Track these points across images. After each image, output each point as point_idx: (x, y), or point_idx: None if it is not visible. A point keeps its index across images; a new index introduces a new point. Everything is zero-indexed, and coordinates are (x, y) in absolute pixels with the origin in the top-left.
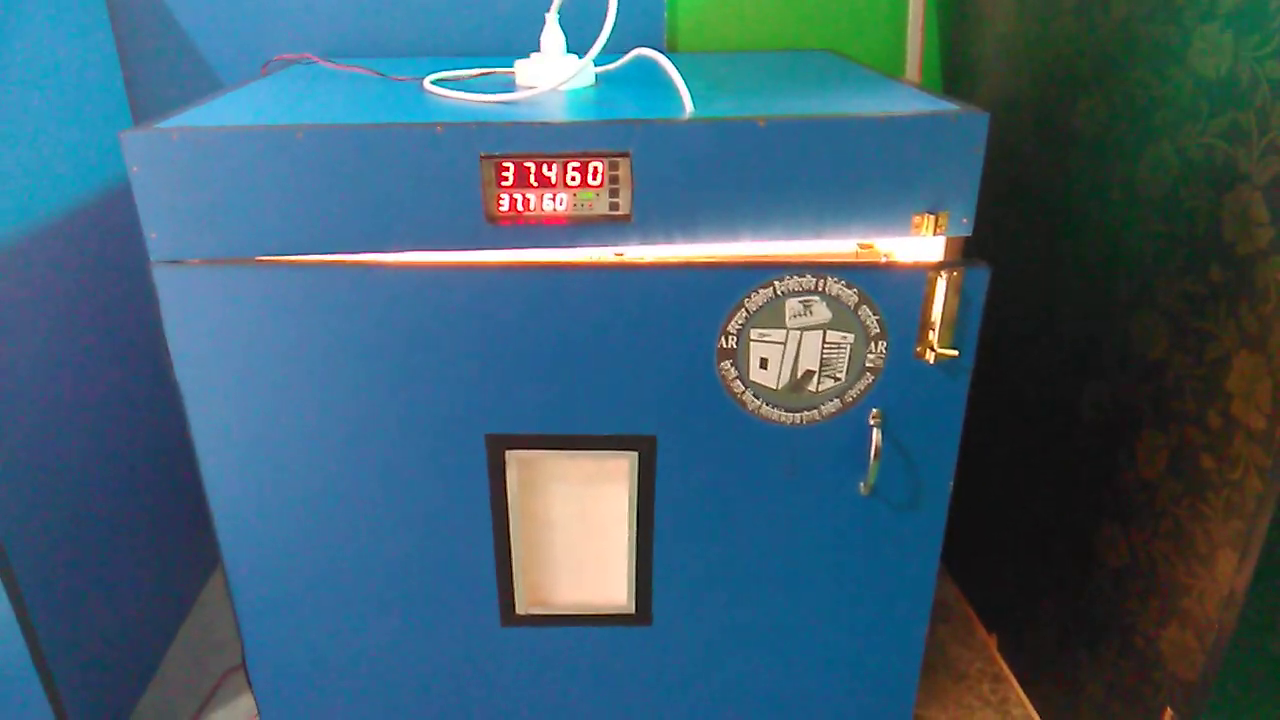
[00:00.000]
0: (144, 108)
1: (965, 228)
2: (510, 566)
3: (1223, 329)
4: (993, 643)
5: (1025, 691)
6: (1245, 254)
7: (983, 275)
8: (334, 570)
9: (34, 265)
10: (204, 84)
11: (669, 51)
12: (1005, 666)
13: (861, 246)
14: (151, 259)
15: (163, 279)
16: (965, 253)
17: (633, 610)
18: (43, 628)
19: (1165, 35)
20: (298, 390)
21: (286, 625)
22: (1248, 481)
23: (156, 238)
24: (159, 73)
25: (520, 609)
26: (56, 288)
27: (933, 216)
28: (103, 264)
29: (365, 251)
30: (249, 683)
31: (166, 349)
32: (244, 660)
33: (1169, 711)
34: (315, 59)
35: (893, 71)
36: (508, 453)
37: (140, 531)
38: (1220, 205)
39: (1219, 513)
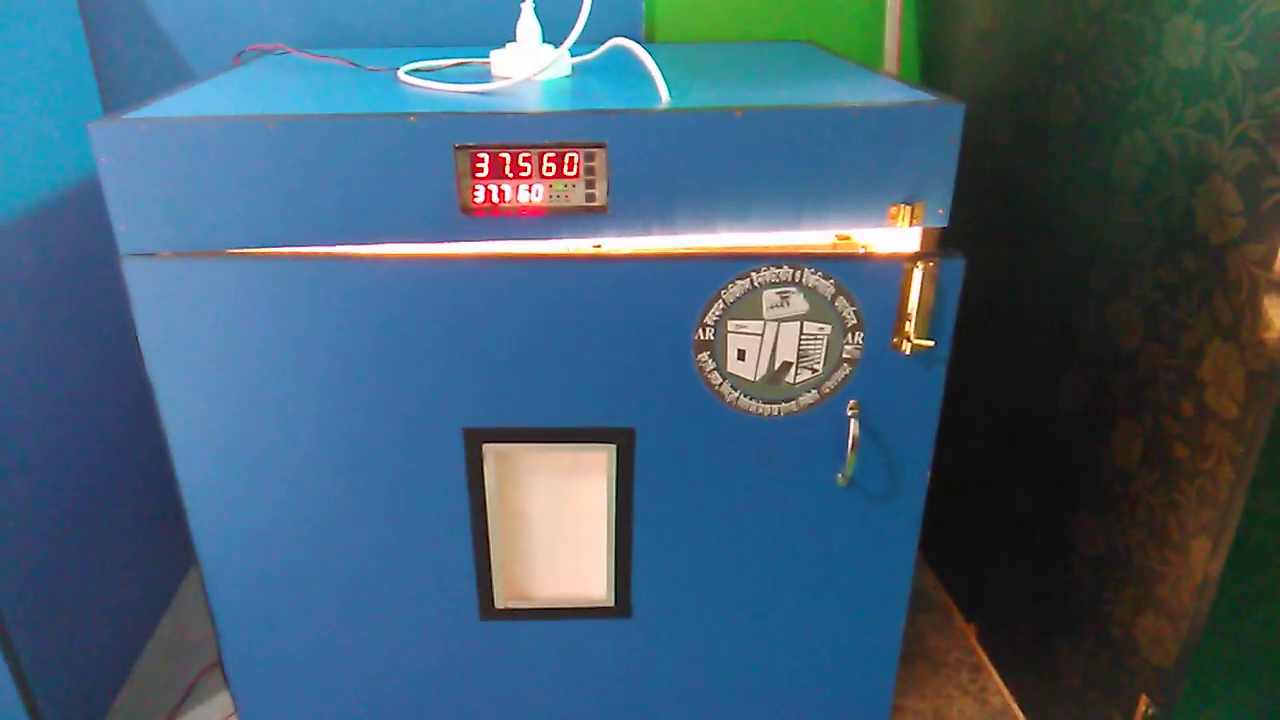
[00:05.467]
0: (115, 99)
1: (941, 219)
2: (489, 560)
3: (1196, 318)
4: (971, 632)
5: (1004, 680)
6: (1218, 243)
7: (958, 266)
8: (311, 565)
9: (3, 259)
10: (176, 75)
11: (647, 42)
12: (984, 656)
13: (839, 238)
14: (121, 252)
15: (132, 272)
16: (941, 244)
17: (612, 603)
18: (16, 626)
19: (1139, 26)
20: (272, 384)
21: (263, 622)
22: (1220, 470)
23: (126, 230)
24: (130, 64)
25: (499, 603)
26: (27, 281)
27: (909, 207)
28: (74, 257)
29: (339, 243)
30: (225, 680)
31: (139, 343)
32: (220, 657)
33: (1144, 699)
34: (288, 49)
35: (871, 63)
36: (485, 446)
37: (115, 529)
38: (1193, 195)
39: (1192, 501)
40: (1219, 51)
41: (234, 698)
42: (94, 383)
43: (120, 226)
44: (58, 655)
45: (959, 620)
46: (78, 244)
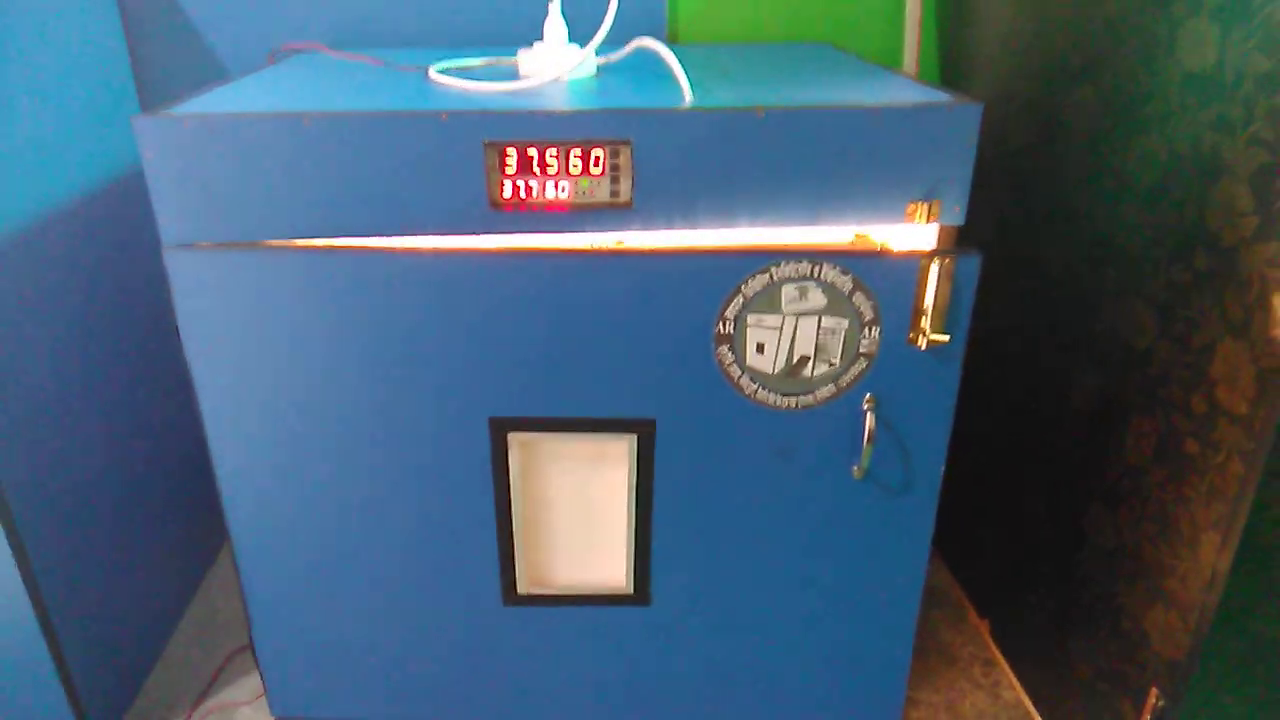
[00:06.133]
0: (151, 96)
1: (958, 216)
2: (512, 547)
3: (1207, 317)
4: (985, 628)
5: (1016, 674)
6: (1230, 243)
7: (974, 263)
8: (340, 551)
9: (43, 252)
10: (210, 73)
11: (670, 43)
12: (997, 651)
13: (857, 235)
14: (163, 243)
15: (174, 262)
16: (958, 241)
17: (631, 591)
18: (56, 610)
19: (1154, 28)
20: (305, 372)
21: (293, 605)
22: (1230, 465)
23: (168, 222)
24: (166, 62)
25: (521, 589)
26: (66, 275)
27: (926, 205)
28: (109, 250)
29: (371, 235)
30: (255, 661)
31: (172, 332)
32: (250, 639)
33: (1155, 690)
34: (322, 48)
35: (890, 64)
36: (510, 435)
37: (148, 515)
38: (1206, 195)
39: (1202, 496)
40: (1233, 54)
41: (263, 678)
42: (127, 370)
43: (162, 219)
44: (93, 638)
45: (973, 616)
46: (116, 236)
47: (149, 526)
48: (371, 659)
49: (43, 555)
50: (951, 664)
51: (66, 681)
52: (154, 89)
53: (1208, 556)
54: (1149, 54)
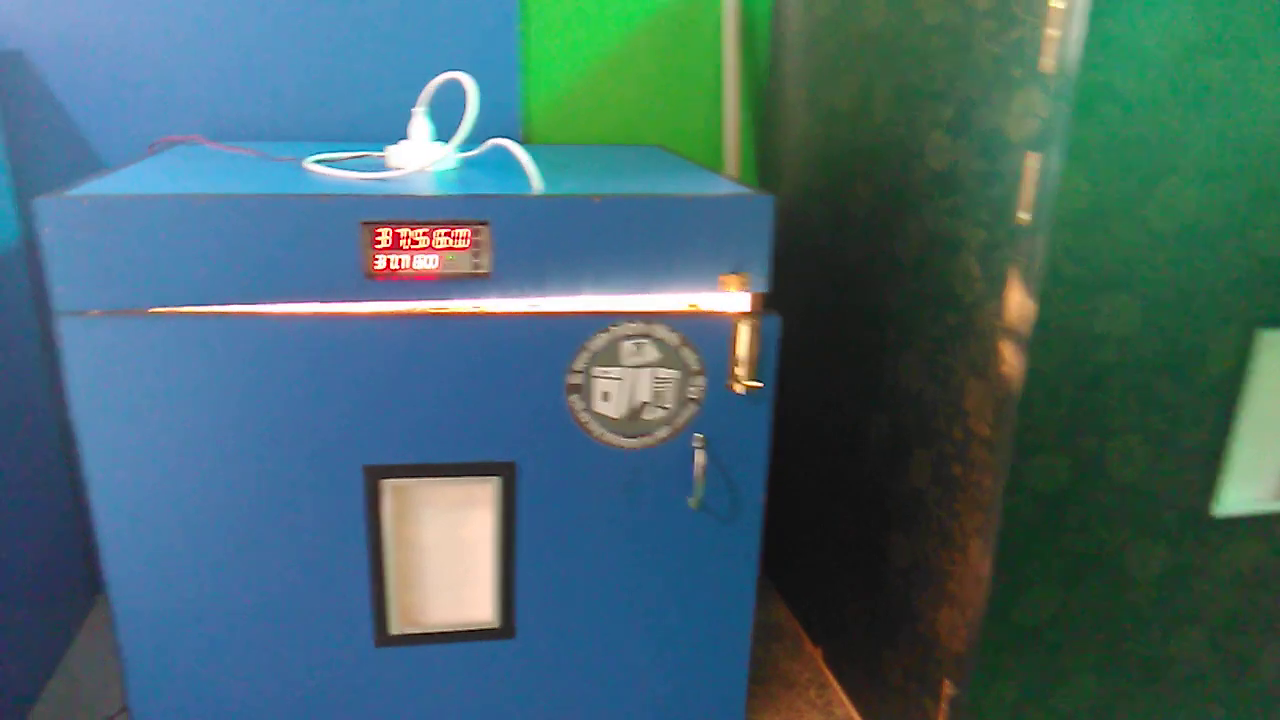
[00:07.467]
0: (27, 185)
1: (762, 285)
2: (384, 589)
3: (958, 362)
4: (819, 655)
5: (845, 692)
6: (969, 302)
7: (775, 322)
8: (220, 603)
9: None
10: (86, 164)
11: (523, 143)
12: (830, 674)
13: (690, 302)
14: (56, 310)
15: (67, 328)
16: (766, 305)
17: (498, 624)
18: None
19: (908, 138)
20: (191, 430)
21: (170, 658)
22: (984, 481)
23: (62, 291)
24: (43, 153)
25: (394, 629)
26: None
27: (736, 276)
28: None
29: (256, 303)
30: (129, 716)
31: (34, 400)
32: (125, 699)
33: (947, 682)
34: (201, 140)
35: (715, 166)
36: (383, 481)
37: (6, 589)
38: (950, 266)
39: (968, 508)
40: (961, 157)
41: None
42: None
43: (57, 288)
44: None
45: (808, 645)
46: None
47: (9, 599)
48: (248, 707)
49: None
50: (790, 689)
51: None
52: (31, 179)
53: (975, 559)
54: (906, 158)
